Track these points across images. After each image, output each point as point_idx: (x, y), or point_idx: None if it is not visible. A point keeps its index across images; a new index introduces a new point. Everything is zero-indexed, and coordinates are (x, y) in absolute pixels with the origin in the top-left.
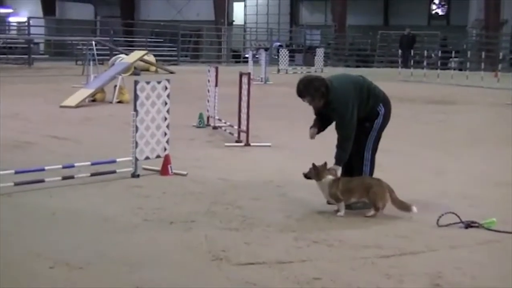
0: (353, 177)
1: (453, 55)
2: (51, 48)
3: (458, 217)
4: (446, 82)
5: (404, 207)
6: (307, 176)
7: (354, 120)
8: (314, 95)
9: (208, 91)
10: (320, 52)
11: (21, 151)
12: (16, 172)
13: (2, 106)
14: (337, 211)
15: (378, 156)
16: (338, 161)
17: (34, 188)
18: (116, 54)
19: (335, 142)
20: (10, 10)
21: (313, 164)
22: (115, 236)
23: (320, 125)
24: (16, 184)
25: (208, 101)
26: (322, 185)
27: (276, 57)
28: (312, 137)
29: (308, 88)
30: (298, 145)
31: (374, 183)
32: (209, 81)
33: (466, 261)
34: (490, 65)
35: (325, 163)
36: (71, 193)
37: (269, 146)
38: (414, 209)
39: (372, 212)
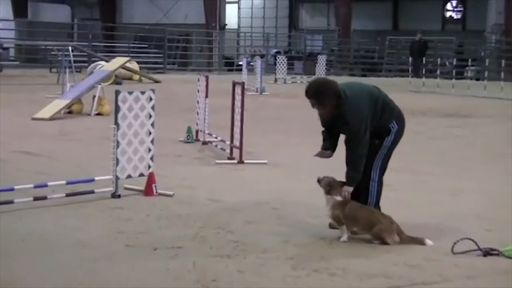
0: (363, 204)
1: (469, 63)
2: (22, 53)
3: (476, 243)
4: (462, 93)
5: (417, 243)
6: (319, 181)
7: (368, 136)
8: (323, 101)
9: (198, 102)
10: (322, 60)
11: None
12: None
13: None
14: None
15: (389, 175)
16: (350, 182)
17: (1, 210)
18: (95, 61)
19: (339, 158)
20: None
21: (329, 181)
22: (93, 263)
23: (331, 143)
24: None
25: (197, 113)
26: (327, 200)
27: (273, 64)
28: (322, 156)
29: (317, 91)
30: (297, 162)
31: (382, 221)
32: (198, 91)
33: None
34: (510, 74)
35: (343, 183)
36: (43, 216)
37: (265, 163)
38: (429, 242)
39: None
